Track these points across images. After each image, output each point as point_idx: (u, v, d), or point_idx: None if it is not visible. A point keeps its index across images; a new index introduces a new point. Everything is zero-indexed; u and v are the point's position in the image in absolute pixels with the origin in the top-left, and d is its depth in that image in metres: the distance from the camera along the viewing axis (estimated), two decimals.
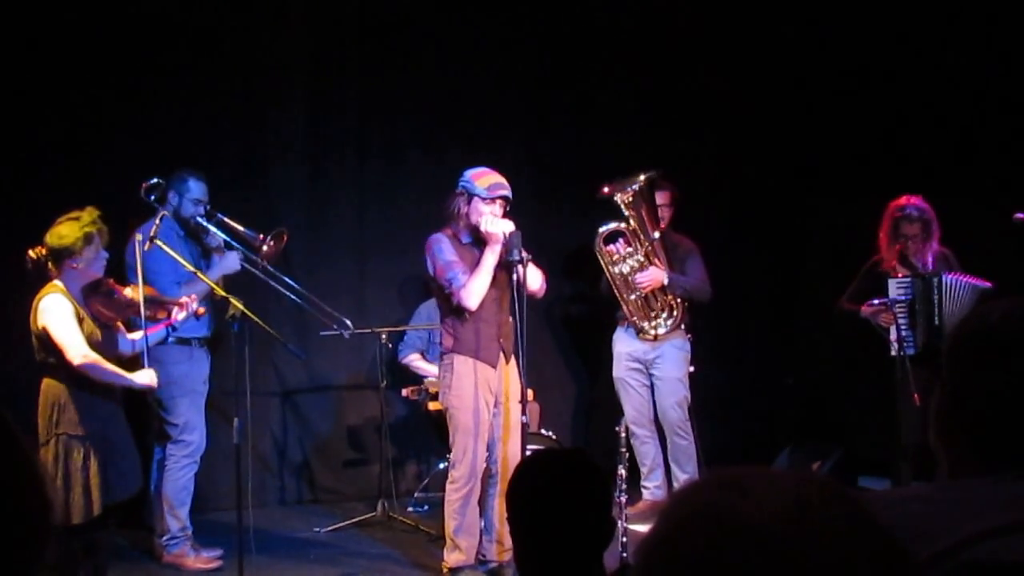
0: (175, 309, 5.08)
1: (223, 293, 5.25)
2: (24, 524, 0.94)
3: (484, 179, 5.23)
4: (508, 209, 5.27)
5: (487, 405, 5.27)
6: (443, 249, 5.22)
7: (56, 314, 4.58)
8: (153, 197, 5.62)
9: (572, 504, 2.30)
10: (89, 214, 4.67)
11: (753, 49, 7.77)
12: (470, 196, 5.21)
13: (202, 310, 5.22)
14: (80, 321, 4.63)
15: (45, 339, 4.61)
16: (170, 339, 5.37)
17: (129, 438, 4.87)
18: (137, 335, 4.98)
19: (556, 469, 2.43)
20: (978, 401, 1.43)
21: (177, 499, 5.61)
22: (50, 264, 4.66)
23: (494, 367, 5.28)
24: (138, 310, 4.84)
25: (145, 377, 4.78)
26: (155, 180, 5.65)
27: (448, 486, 5.34)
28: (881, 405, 6.07)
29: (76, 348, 4.57)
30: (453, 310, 5.25)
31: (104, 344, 4.74)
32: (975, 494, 1.38)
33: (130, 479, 4.85)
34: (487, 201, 5.18)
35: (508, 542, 5.26)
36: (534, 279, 5.29)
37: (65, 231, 4.63)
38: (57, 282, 4.66)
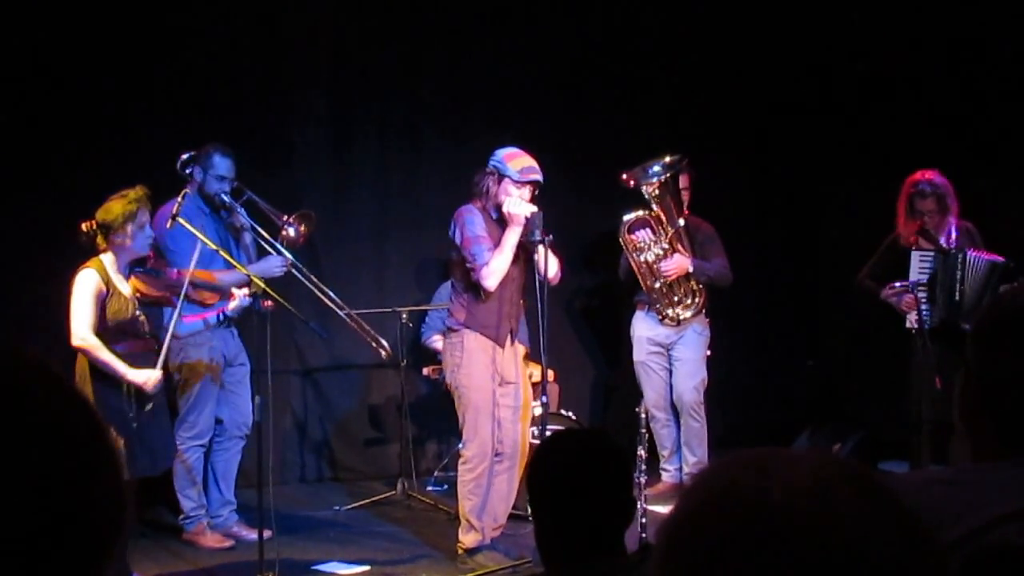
0: (231, 298, 5.12)
1: (246, 271, 5.25)
2: (101, 517, 0.91)
3: (517, 161, 5.17)
4: (536, 193, 5.21)
5: (496, 384, 5.27)
6: (474, 222, 5.15)
7: (76, 290, 4.64)
8: (189, 171, 5.63)
9: (593, 483, 2.30)
10: (136, 192, 4.74)
11: (775, 35, 7.73)
12: (501, 176, 5.16)
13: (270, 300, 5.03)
14: (106, 299, 4.66)
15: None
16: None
17: (161, 415, 4.90)
18: (191, 317, 4.99)
19: (577, 448, 2.43)
20: (1002, 384, 1.43)
21: (186, 479, 5.63)
22: (99, 238, 4.73)
23: (503, 347, 5.27)
24: (178, 291, 4.87)
25: (140, 376, 4.68)
26: (191, 154, 5.66)
27: (460, 467, 5.34)
28: (901, 387, 6.05)
29: (77, 328, 4.61)
30: (471, 285, 5.20)
31: (138, 322, 4.76)
32: (998, 477, 1.37)
33: (159, 455, 4.89)
34: (518, 184, 5.14)
35: (502, 519, 5.37)
36: (550, 266, 5.21)
37: (112, 206, 4.70)
38: (101, 257, 4.72)
